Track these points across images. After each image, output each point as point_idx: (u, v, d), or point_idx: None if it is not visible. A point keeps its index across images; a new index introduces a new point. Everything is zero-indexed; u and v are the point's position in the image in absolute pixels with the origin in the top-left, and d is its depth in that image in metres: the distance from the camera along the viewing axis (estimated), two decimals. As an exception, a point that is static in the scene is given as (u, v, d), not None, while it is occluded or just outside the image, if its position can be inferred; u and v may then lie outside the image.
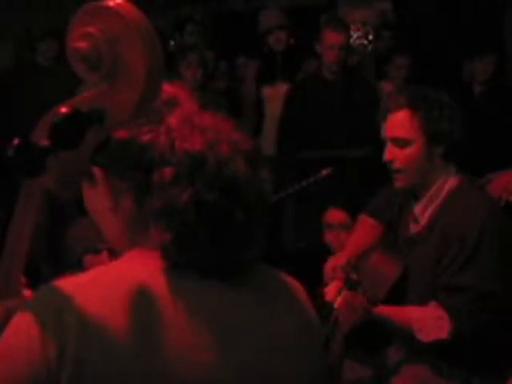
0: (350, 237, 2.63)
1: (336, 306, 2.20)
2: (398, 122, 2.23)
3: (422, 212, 2.29)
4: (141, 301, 0.98)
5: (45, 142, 0.91)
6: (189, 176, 1.00)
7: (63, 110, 0.93)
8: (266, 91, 4.92)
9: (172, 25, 5.65)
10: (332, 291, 2.33)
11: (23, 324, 0.96)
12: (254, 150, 1.06)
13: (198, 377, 0.99)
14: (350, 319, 2.15)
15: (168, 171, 1.01)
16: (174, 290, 1.00)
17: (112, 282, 1.00)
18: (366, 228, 2.59)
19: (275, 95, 4.79)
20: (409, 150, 2.22)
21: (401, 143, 2.22)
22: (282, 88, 4.73)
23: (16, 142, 0.88)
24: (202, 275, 1.03)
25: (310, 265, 2.60)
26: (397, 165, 2.24)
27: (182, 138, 1.02)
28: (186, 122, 1.04)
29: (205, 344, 1.00)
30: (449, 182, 2.26)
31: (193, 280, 1.02)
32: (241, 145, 1.04)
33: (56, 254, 3.28)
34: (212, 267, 1.03)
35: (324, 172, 3.39)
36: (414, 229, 2.33)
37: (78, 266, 2.76)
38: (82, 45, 0.93)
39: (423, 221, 2.28)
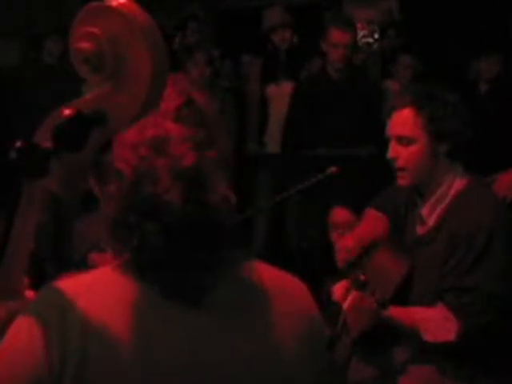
0: (357, 227, 2.58)
1: (345, 307, 2.18)
2: (402, 120, 2.23)
3: (430, 213, 2.27)
4: (140, 300, 0.98)
5: (48, 144, 0.90)
6: (120, 196, 0.98)
7: (66, 112, 0.92)
8: (270, 90, 4.91)
9: (174, 24, 5.64)
10: (340, 290, 2.31)
11: (25, 325, 0.96)
12: (196, 165, 0.99)
13: (198, 377, 0.99)
14: (359, 322, 2.13)
15: (110, 188, 1.00)
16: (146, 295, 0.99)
17: (113, 282, 1.00)
18: (373, 219, 2.55)
19: (279, 93, 4.79)
20: (412, 148, 2.21)
21: (404, 141, 2.22)
22: (286, 86, 4.72)
23: (19, 143, 0.88)
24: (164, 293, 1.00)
25: (312, 264, 2.59)
26: (400, 162, 2.24)
27: (118, 154, 0.99)
28: (137, 132, 1.00)
29: (195, 345, 1.00)
30: (456, 183, 2.25)
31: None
32: (181, 160, 0.98)
33: (60, 254, 3.28)
34: (167, 288, 1.00)
35: (328, 171, 3.39)
36: (420, 230, 2.32)
37: (83, 265, 2.75)
38: (85, 45, 0.92)
39: (431, 222, 2.27)
